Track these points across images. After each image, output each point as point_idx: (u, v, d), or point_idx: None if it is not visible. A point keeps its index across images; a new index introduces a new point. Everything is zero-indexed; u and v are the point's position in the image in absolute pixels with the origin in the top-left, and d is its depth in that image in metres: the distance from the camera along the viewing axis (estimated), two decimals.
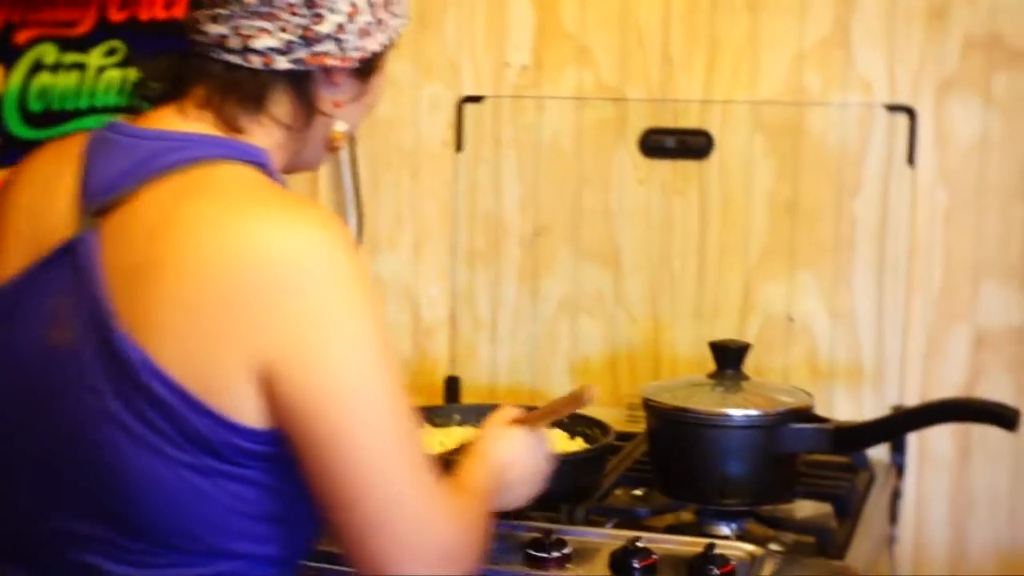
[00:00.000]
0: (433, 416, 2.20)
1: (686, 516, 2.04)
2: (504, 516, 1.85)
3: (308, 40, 1.38)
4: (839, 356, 2.40)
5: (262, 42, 1.37)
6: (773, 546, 1.93)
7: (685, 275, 2.44)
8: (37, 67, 2.66)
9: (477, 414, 2.18)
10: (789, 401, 2.00)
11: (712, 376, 2.06)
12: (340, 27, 1.39)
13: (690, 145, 2.41)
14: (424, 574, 1.29)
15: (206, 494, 1.28)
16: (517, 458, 1.60)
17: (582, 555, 1.87)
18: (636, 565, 1.82)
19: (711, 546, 1.82)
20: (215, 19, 1.37)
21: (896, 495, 2.30)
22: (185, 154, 1.32)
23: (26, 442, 1.34)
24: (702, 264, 2.45)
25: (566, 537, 1.89)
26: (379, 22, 1.43)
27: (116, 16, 2.64)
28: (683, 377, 2.16)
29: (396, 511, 1.28)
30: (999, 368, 2.31)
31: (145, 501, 1.28)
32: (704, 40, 2.43)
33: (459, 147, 2.53)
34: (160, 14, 2.61)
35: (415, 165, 2.57)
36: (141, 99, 1.45)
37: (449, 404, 2.50)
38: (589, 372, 2.50)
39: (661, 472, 2.06)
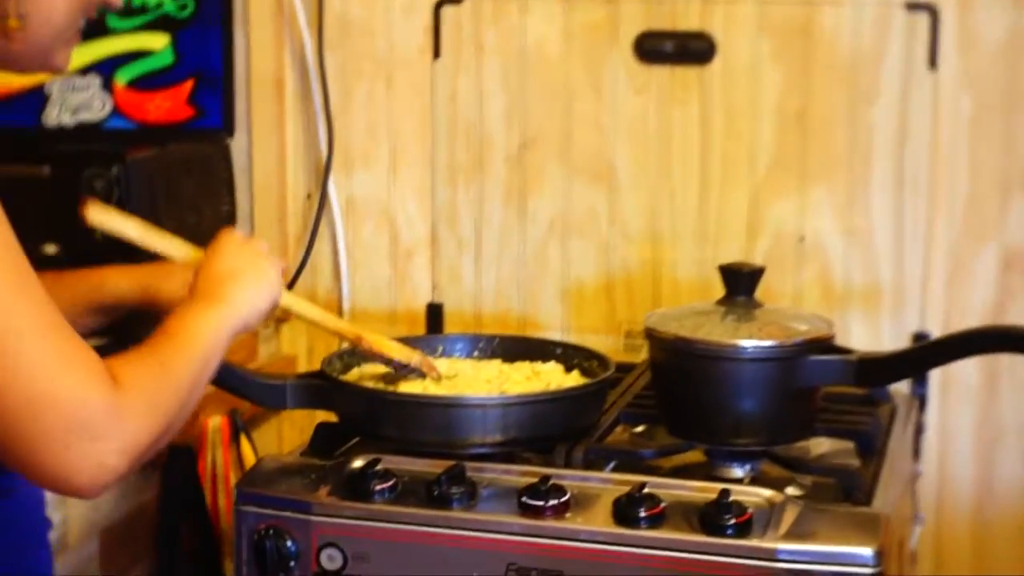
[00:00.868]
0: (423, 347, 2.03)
1: (695, 457, 1.89)
2: (494, 459, 1.72)
3: None
4: (854, 279, 2.27)
5: None
6: (791, 490, 1.78)
7: (686, 192, 2.30)
8: None
9: (463, 344, 2.05)
10: (807, 330, 1.84)
11: (722, 303, 1.90)
12: None
13: (690, 49, 2.28)
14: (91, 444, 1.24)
15: None
16: (226, 267, 1.52)
17: (582, 502, 1.72)
18: (642, 514, 1.66)
19: (725, 492, 1.67)
20: None
21: (919, 429, 2.14)
22: None
23: None
24: (704, 180, 2.31)
25: (564, 483, 1.74)
26: None
27: None
28: (690, 305, 1.99)
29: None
30: None
31: None
32: None
33: (437, 54, 2.40)
34: None
35: (389, 74, 2.43)
36: None
37: (431, 335, 2.37)
38: (582, 297, 2.37)
39: (667, 409, 1.90)
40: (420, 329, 2.43)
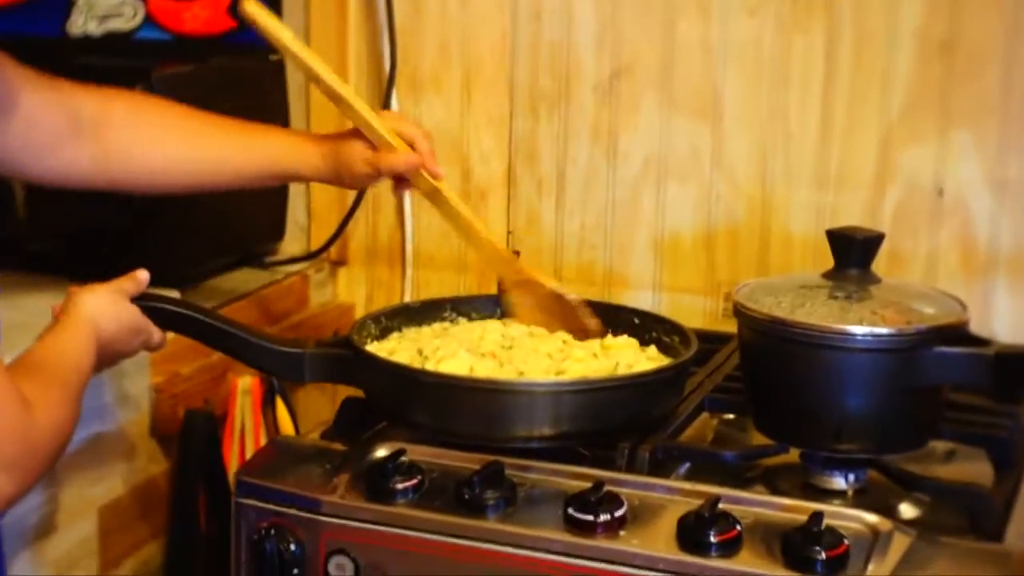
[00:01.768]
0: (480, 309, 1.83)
1: (787, 462, 1.61)
2: (540, 456, 1.51)
3: None
4: (1003, 243, 1.98)
5: None
6: (904, 509, 1.52)
7: (804, 133, 2.04)
8: None
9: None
10: (933, 315, 1.54)
11: (830, 276, 1.61)
12: None
13: None
14: None
15: None
16: (100, 317, 1.52)
17: (641, 517, 1.46)
18: (713, 538, 1.40)
19: (817, 517, 1.40)
20: None
21: None
22: None
23: None
24: (827, 119, 2.03)
25: (621, 490, 1.48)
26: None
27: None
28: (790, 276, 1.72)
29: None
30: None
31: None
32: None
33: None
34: None
35: None
36: None
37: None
38: (678, 252, 2.13)
39: (756, 402, 1.63)
40: (490, 281, 2.14)
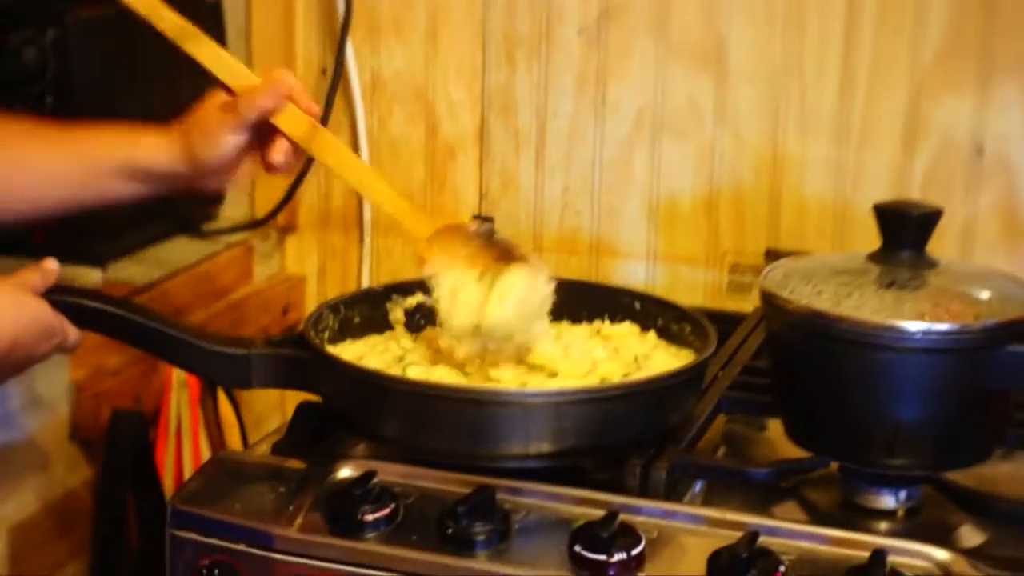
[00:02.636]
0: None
1: (822, 474, 1.41)
2: (537, 476, 1.32)
3: None
4: None
5: None
6: (966, 535, 1.33)
7: (822, 83, 1.89)
8: None
9: None
10: (1005, 306, 1.34)
11: (878, 259, 1.40)
12: None
13: None
14: None
15: None
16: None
17: (661, 556, 1.25)
18: None
19: (879, 556, 1.20)
20: None
21: None
22: None
23: None
24: (848, 68, 1.88)
25: (637, 519, 1.28)
26: None
27: None
28: (827, 257, 1.54)
29: None
30: None
31: None
32: None
33: None
34: None
35: None
36: None
37: None
38: (676, 218, 1.98)
39: (789, 408, 1.43)
40: None
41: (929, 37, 1.82)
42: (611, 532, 1.22)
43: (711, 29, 1.90)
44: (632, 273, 1.96)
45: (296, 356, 1.41)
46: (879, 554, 1.19)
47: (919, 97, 1.84)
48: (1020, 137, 1.81)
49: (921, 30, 1.82)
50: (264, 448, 1.46)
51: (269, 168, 1.42)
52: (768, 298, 1.38)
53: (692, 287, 1.94)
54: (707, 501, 1.39)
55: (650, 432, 1.37)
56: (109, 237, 1.86)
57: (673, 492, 1.35)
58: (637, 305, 1.56)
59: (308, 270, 2.14)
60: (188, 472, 1.76)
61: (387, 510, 1.29)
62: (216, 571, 1.31)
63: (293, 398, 1.89)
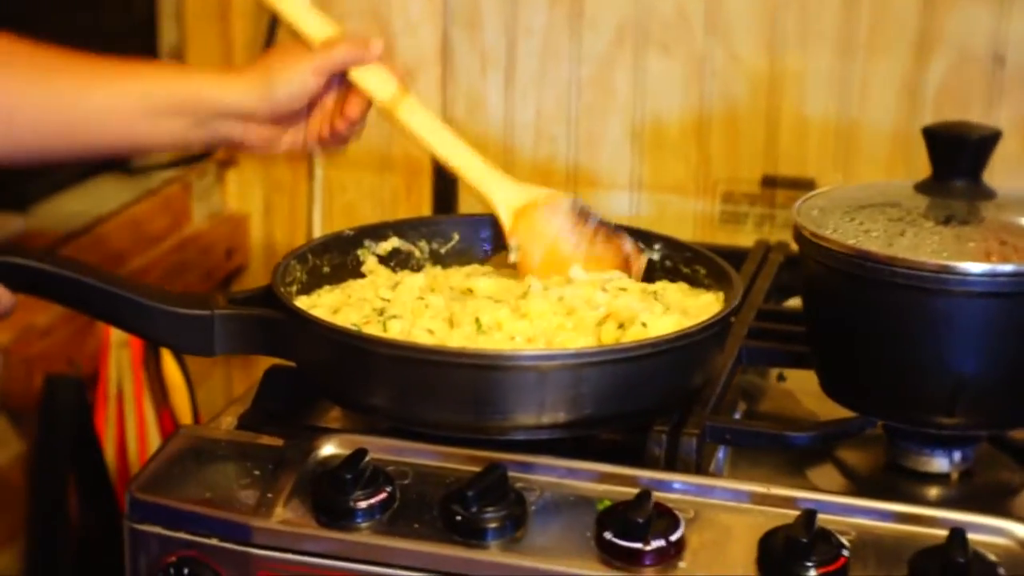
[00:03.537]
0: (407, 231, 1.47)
1: (869, 437, 1.29)
2: (554, 449, 1.20)
3: None
4: None
5: None
6: None
7: None
8: None
9: (485, 235, 1.47)
10: None
11: (927, 189, 1.27)
12: None
13: None
14: None
15: None
16: None
17: (703, 541, 1.12)
18: (812, 572, 1.06)
19: (958, 537, 1.07)
20: None
21: None
22: None
23: None
24: None
25: (671, 497, 1.15)
26: None
27: None
28: (871, 186, 1.35)
29: None
30: None
31: None
32: None
33: None
34: None
35: None
36: None
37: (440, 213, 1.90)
38: (662, 141, 1.89)
39: (829, 361, 1.30)
40: (422, 184, 1.95)
41: None
42: (646, 515, 1.09)
43: None
44: (614, 205, 1.87)
45: (265, 317, 1.25)
46: (958, 534, 1.06)
47: (933, 1, 1.76)
48: None
49: None
50: (229, 420, 1.32)
51: (334, 134, 1.35)
52: (806, 237, 1.25)
53: (680, 219, 1.86)
54: (734, 468, 1.27)
55: (675, 395, 1.23)
56: (28, 178, 1.75)
57: (700, 459, 1.22)
58: (640, 245, 1.42)
59: (252, 208, 2.04)
60: (132, 444, 1.64)
61: (383, 495, 1.15)
62: (185, 569, 1.17)
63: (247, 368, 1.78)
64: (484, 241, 1.46)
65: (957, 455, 1.25)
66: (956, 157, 1.25)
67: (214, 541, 1.16)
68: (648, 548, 1.08)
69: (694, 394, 1.26)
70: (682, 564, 1.09)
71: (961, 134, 1.25)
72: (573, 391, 1.17)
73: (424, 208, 1.92)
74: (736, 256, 1.58)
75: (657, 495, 1.13)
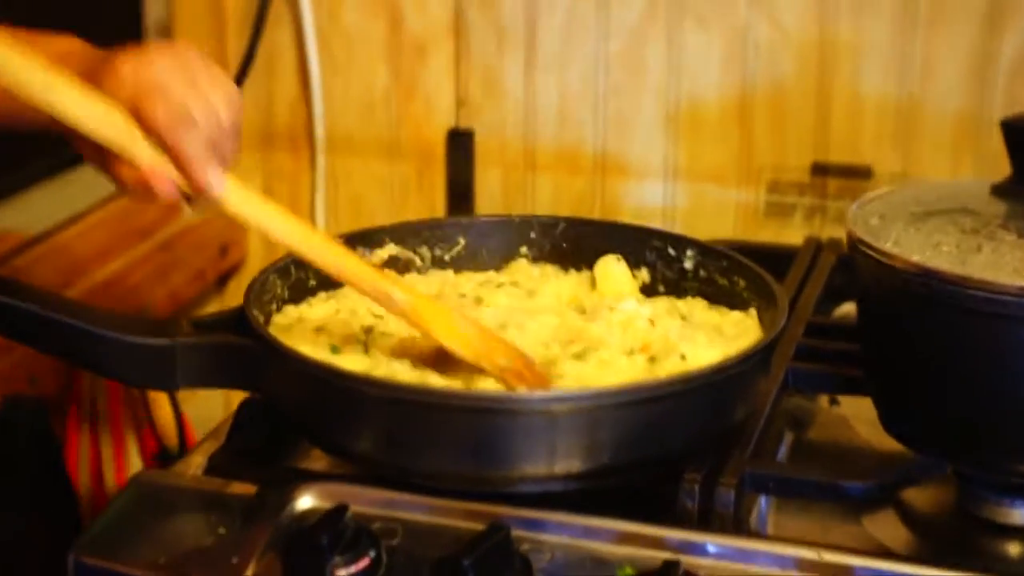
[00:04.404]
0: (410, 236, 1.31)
1: (938, 484, 1.14)
2: (564, 504, 1.05)
3: None
4: None
5: None
6: None
7: None
8: None
9: (497, 236, 1.33)
10: None
11: (1007, 192, 1.13)
12: None
13: None
14: None
15: None
16: None
17: None
18: None
19: None
20: None
21: None
22: None
23: None
24: None
25: (702, 563, 1.00)
26: None
27: None
28: (939, 185, 1.21)
29: None
30: None
31: None
32: None
33: None
34: None
35: None
36: None
37: (448, 218, 1.77)
38: (700, 125, 1.79)
39: (889, 392, 1.15)
40: (435, 172, 1.84)
41: None
42: None
43: None
44: (647, 196, 1.79)
45: (235, 345, 1.10)
46: None
47: None
48: None
49: None
50: (199, 460, 1.17)
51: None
52: (863, 251, 1.09)
53: (720, 212, 1.77)
54: (779, 513, 1.12)
55: (710, 436, 1.08)
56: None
57: (739, 512, 1.07)
58: (671, 251, 1.27)
59: None
60: (109, 470, 1.49)
61: (365, 561, 1.01)
62: None
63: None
64: (493, 248, 1.31)
65: None
66: None
67: None
68: None
69: (732, 432, 1.11)
70: None
71: None
72: (589, 437, 1.03)
73: (437, 199, 1.81)
74: (782, 257, 1.47)
75: (688, 560, 0.99)
